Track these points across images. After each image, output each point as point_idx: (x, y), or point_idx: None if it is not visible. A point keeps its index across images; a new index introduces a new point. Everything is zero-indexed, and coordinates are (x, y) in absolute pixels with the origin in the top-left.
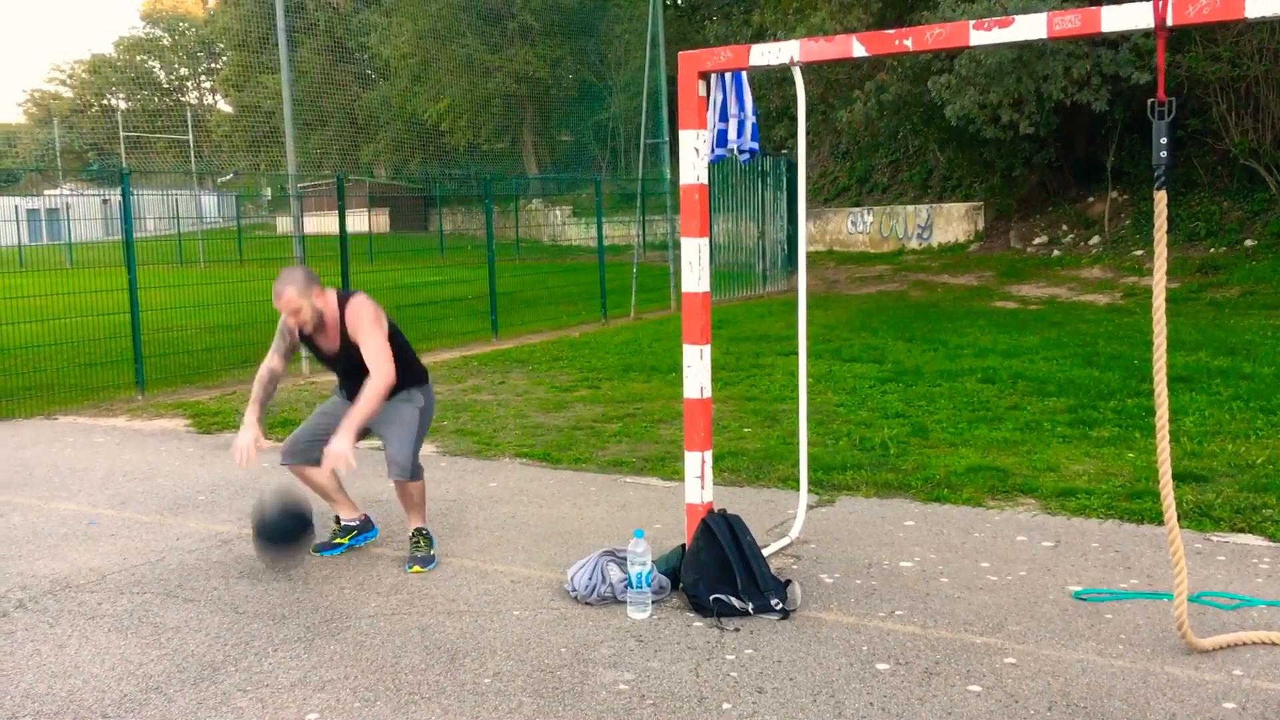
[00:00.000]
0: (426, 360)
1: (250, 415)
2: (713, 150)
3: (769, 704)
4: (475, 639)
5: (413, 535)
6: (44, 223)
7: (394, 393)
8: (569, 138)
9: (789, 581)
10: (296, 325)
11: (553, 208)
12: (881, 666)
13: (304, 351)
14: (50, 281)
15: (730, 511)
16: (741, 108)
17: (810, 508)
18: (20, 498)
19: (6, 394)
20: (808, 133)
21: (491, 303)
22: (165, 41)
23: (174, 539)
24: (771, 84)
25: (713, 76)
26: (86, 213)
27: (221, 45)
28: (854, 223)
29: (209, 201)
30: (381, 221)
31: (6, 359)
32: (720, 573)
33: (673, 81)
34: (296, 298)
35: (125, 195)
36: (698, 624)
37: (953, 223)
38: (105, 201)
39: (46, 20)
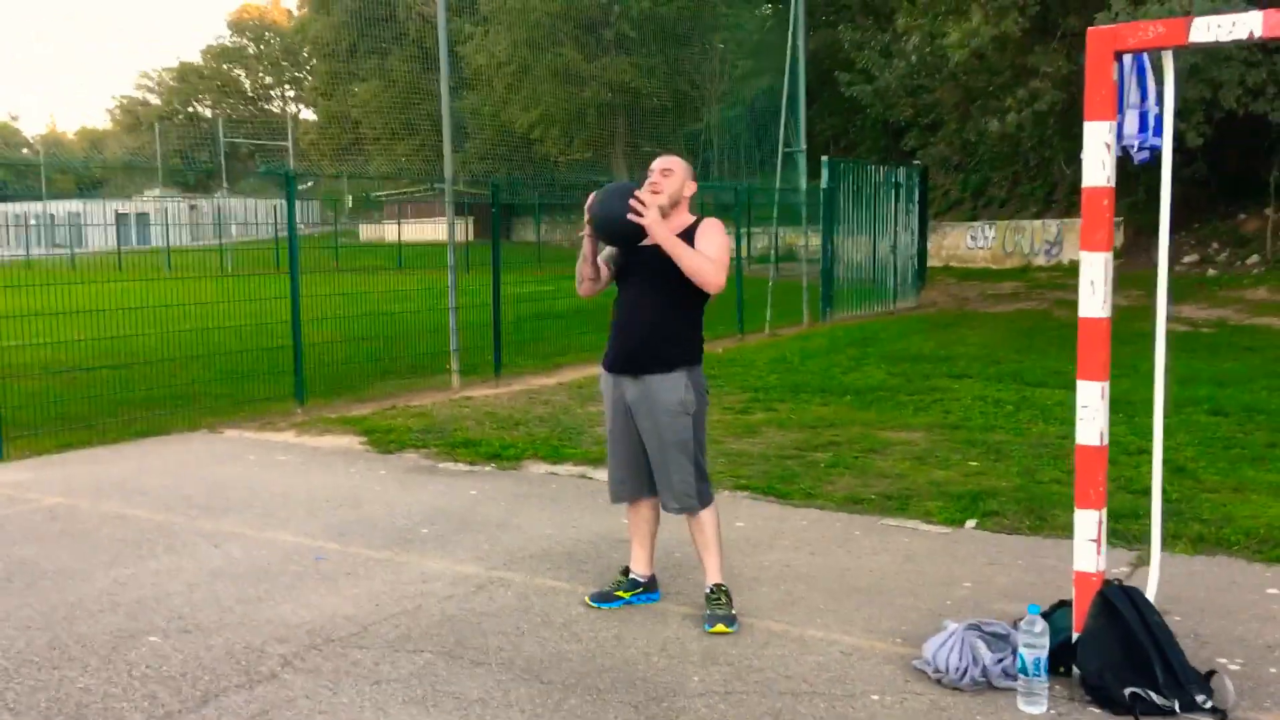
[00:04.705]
0: (566, 377)
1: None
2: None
3: None
4: None
5: (711, 591)
6: (134, 228)
7: (654, 375)
8: (653, 149)
9: (1212, 672)
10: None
11: None
12: None
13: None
14: (159, 289)
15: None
16: (1144, 96)
17: (1135, 567)
18: (229, 525)
19: (152, 404)
20: (948, 141)
21: None
22: (250, 50)
23: (420, 582)
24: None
25: (1127, 58)
26: (176, 219)
27: (306, 54)
28: (974, 237)
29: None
30: (467, 230)
31: (144, 370)
32: (1130, 660)
33: (809, 91)
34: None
35: (290, 197)
36: None
37: None
38: (193, 207)
39: (136, 29)
